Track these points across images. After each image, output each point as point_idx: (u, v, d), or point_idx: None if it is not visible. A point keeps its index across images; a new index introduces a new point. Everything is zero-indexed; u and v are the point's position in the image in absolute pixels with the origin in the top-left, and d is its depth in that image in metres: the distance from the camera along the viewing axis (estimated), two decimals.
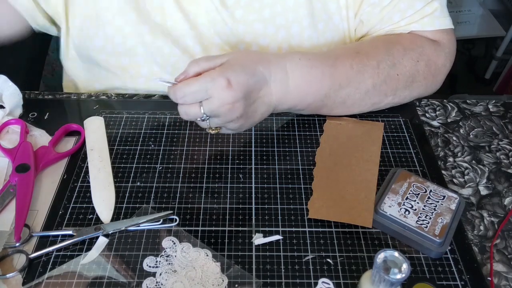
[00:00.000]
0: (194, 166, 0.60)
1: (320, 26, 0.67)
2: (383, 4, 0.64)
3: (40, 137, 0.63)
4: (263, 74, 0.54)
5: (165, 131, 0.64)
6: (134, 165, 0.59)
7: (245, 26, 0.66)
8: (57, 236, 0.51)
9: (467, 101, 0.71)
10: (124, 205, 0.55)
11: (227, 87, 0.50)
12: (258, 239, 0.51)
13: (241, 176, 0.58)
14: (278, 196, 0.56)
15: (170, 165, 0.59)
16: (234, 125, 0.55)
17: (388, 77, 0.61)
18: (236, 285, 0.47)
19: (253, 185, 0.57)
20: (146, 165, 0.59)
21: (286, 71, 0.56)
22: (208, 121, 0.54)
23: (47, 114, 0.67)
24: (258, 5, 0.65)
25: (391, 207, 0.52)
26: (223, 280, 0.47)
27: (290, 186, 0.57)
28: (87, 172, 0.58)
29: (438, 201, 0.53)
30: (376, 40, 0.66)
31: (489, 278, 0.49)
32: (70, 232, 0.51)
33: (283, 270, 0.49)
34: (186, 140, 0.63)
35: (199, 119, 0.53)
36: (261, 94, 0.55)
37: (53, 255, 0.50)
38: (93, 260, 0.49)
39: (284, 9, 0.65)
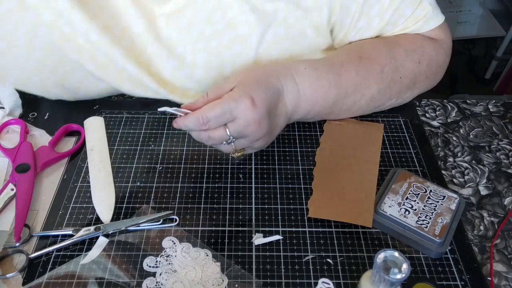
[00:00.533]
0: (194, 166, 0.60)
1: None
2: (372, 25, 0.63)
3: (40, 137, 0.63)
4: (276, 86, 0.54)
5: (165, 131, 0.64)
6: (134, 165, 0.59)
7: (208, 84, 0.64)
8: (57, 236, 0.51)
9: (467, 101, 0.71)
10: (124, 205, 0.55)
11: (252, 106, 0.50)
12: (258, 239, 0.51)
13: (241, 176, 0.58)
14: (278, 196, 0.56)
15: (170, 165, 0.59)
16: (260, 143, 0.54)
17: (392, 81, 0.61)
18: (236, 285, 0.47)
19: (253, 185, 0.57)
20: (146, 165, 0.59)
21: (295, 80, 0.56)
22: (233, 143, 0.53)
23: (47, 114, 0.67)
24: (217, 63, 0.62)
25: (391, 207, 0.52)
26: (223, 280, 0.47)
27: (290, 186, 0.57)
28: (87, 172, 0.58)
29: (438, 201, 0.53)
30: (377, 42, 0.64)
31: (489, 278, 0.49)
32: (70, 232, 0.51)
33: (283, 270, 0.49)
34: (186, 140, 0.63)
35: (224, 142, 0.52)
36: (279, 106, 0.55)
37: (53, 255, 0.50)
38: (93, 260, 0.49)
39: (245, 66, 0.62)
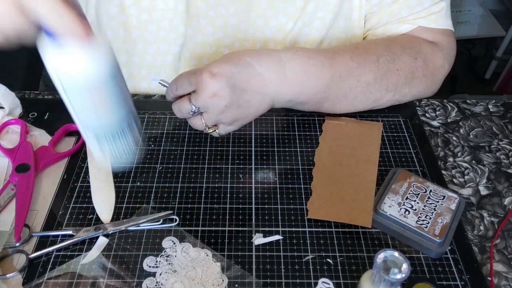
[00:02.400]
0: (194, 166, 0.60)
1: (332, 2, 0.67)
2: None
3: (40, 137, 0.63)
4: (249, 63, 0.55)
5: (165, 131, 0.64)
6: (134, 165, 0.59)
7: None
8: (57, 236, 0.51)
9: (467, 101, 0.71)
10: (124, 205, 0.55)
11: (210, 78, 0.53)
12: (258, 239, 0.51)
13: (241, 176, 0.58)
14: (278, 196, 0.56)
15: (170, 165, 0.59)
16: (228, 118, 0.56)
17: (389, 72, 0.62)
18: (236, 285, 0.47)
19: (253, 185, 0.57)
20: (146, 165, 0.59)
21: (281, 60, 0.57)
22: (202, 118, 0.56)
23: (47, 114, 0.67)
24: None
25: (391, 207, 0.52)
26: (223, 280, 0.47)
27: (290, 186, 0.57)
28: (87, 172, 0.58)
29: (438, 201, 0.53)
30: (375, 39, 0.67)
31: (489, 278, 0.49)
32: (70, 232, 0.51)
33: (283, 270, 0.49)
34: (186, 140, 0.63)
35: (191, 113, 0.56)
36: (252, 83, 0.55)
37: (53, 255, 0.50)
38: (93, 260, 0.49)
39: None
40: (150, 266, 0.48)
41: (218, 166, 0.60)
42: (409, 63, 0.63)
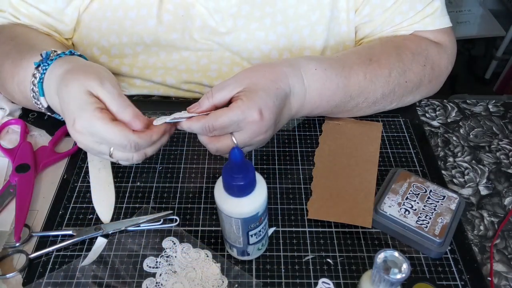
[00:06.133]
0: (194, 166, 0.60)
1: (318, 29, 0.66)
2: (386, 5, 0.64)
3: (40, 137, 0.63)
4: (284, 91, 0.53)
5: None
6: (134, 165, 0.59)
7: (247, 34, 0.66)
8: (57, 236, 0.51)
9: (467, 101, 0.71)
10: (124, 205, 0.55)
11: (259, 119, 0.49)
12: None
13: None
14: (278, 196, 0.56)
15: (170, 165, 0.59)
16: (260, 144, 0.54)
17: (398, 85, 0.62)
18: (236, 286, 0.47)
19: None
20: (146, 165, 0.59)
21: (303, 83, 0.55)
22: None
23: (47, 114, 0.66)
24: (259, 14, 0.65)
25: (391, 207, 0.52)
26: (223, 282, 0.47)
27: (290, 186, 0.57)
28: (87, 172, 0.58)
29: (438, 201, 0.53)
30: (386, 45, 0.64)
31: (489, 278, 0.49)
32: (70, 232, 0.51)
33: (283, 270, 0.49)
34: (186, 140, 0.63)
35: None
36: (284, 110, 0.54)
37: (53, 255, 0.50)
38: (93, 260, 0.49)
39: (285, 19, 0.65)
40: (150, 267, 0.48)
41: (218, 166, 0.60)
42: (417, 72, 0.63)
